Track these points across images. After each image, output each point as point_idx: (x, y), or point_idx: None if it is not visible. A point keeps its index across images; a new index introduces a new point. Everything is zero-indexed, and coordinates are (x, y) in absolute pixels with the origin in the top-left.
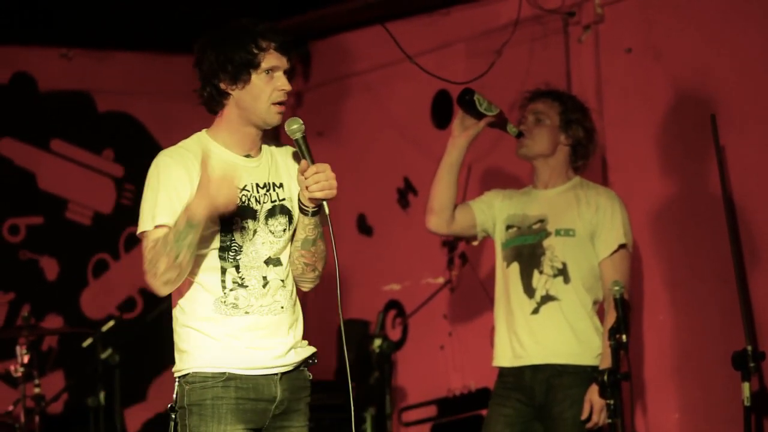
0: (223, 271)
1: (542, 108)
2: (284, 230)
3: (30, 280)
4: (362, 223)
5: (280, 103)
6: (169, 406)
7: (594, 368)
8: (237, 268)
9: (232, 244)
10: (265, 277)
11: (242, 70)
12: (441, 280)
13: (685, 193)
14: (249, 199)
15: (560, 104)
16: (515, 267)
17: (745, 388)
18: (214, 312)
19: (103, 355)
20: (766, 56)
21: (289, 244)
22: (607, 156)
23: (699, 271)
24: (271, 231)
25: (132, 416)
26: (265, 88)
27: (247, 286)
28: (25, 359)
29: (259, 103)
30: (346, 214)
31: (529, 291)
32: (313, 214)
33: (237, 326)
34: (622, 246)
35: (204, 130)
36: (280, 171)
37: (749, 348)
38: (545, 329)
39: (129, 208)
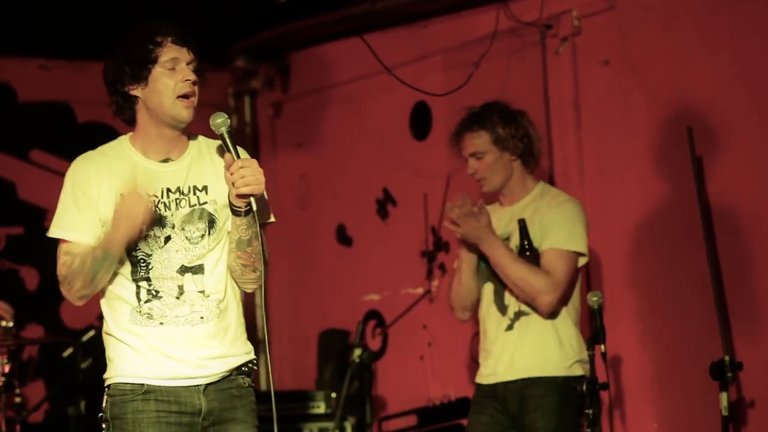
0: (137, 282)
1: (474, 144)
2: (202, 236)
3: (10, 290)
4: (342, 233)
5: (185, 96)
6: (99, 415)
7: (566, 378)
8: (148, 280)
9: (140, 255)
10: (180, 287)
11: (141, 66)
12: (420, 290)
13: (663, 204)
14: (157, 206)
15: (486, 131)
16: (489, 286)
17: (723, 398)
18: (131, 322)
19: (84, 365)
20: (741, 69)
21: (216, 249)
22: (585, 167)
23: (677, 281)
24: (187, 237)
25: None
26: (168, 81)
27: (161, 297)
28: (6, 368)
29: (163, 98)
30: (326, 224)
31: (502, 308)
32: (246, 213)
33: (154, 337)
34: (564, 250)
35: (127, 135)
36: (206, 172)
37: (727, 358)
38: (518, 344)
39: None
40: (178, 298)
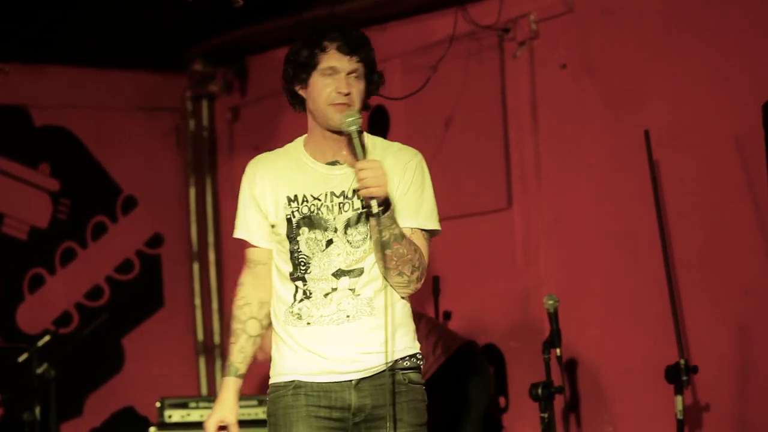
0: (294, 282)
1: None
2: (363, 239)
3: None
4: None
5: (339, 104)
6: None
7: None
8: (304, 280)
9: (300, 257)
10: (334, 288)
11: (301, 70)
12: None
13: (620, 208)
14: (319, 209)
15: None
16: None
17: (678, 401)
18: (285, 322)
19: (39, 370)
20: (699, 72)
21: (372, 253)
22: (542, 170)
23: (633, 285)
24: (349, 241)
25: (67, 431)
26: (323, 89)
27: (311, 297)
28: None
29: (318, 104)
30: None
31: None
32: (375, 214)
33: (303, 336)
34: None
35: (303, 136)
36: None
37: (682, 362)
38: None
39: (65, 223)
40: (325, 296)
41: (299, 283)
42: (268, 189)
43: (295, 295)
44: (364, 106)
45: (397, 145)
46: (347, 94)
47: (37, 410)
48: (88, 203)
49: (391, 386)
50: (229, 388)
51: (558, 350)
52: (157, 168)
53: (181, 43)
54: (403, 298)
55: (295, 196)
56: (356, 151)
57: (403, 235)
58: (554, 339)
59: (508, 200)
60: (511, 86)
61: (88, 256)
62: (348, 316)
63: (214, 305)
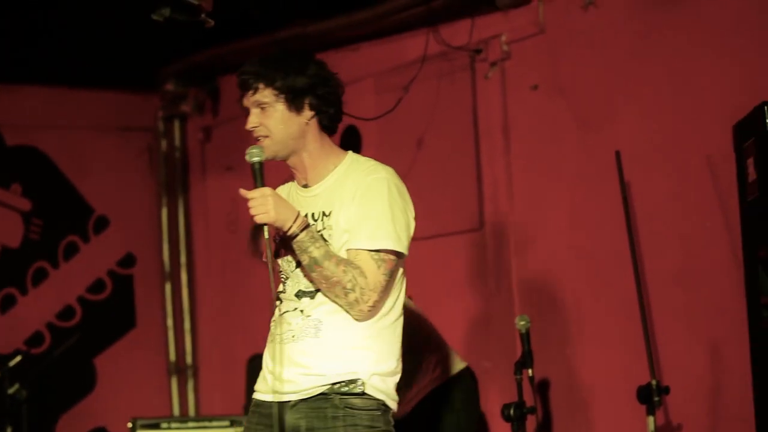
0: (276, 300)
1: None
2: None
3: None
4: None
5: (256, 139)
6: None
7: None
8: (280, 300)
9: (282, 275)
10: (296, 308)
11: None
12: None
13: (591, 228)
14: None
15: None
16: None
17: (650, 422)
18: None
19: (11, 391)
20: (669, 93)
21: None
22: (514, 191)
23: (605, 305)
24: None
25: None
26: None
27: (281, 316)
28: None
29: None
30: None
31: None
32: (290, 237)
33: (268, 353)
34: None
35: None
36: (335, 196)
37: (654, 382)
38: None
39: (37, 243)
40: (287, 318)
41: (278, 302)
42: None
43: (274, 314)
44: (327, 129)
45: (365, 165)
46: (254, 127)
47: (9, 431)
48: (59, 223)
49: (327, 410)
50: None
51: (530, 371)
52: (130, 188)
53: (153, 63)
54: (363, 321)
55: None
56: (254, 181)
57: (326, 256)
58: (526, 359)
59: (479, 221)
60: (483, 107)
61: (59, 276)
62: (293, 336)
63: (186, 326)
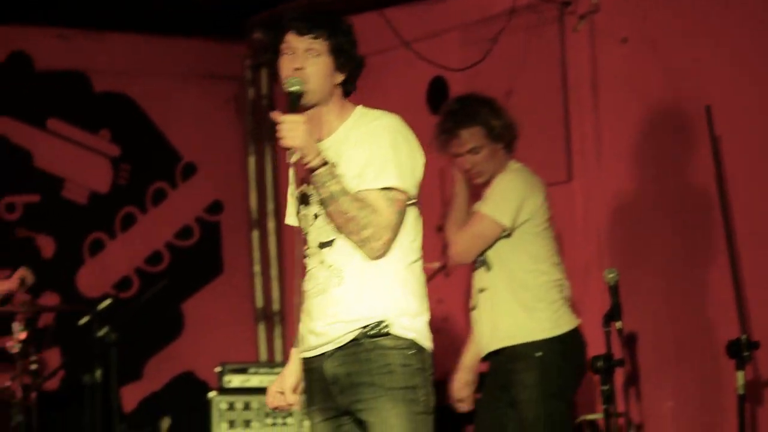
0: (305, 259)
1: (471, 139)
2: None
3: (26, 258)
4: None
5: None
6: None
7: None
8: (307, 256)
9: (303, 233)
10: (321, 261)
11: (274, 53)
12: (436, 264)
13: (680, 182)
14: (308, 186)
15: (480, 126)
16: None
17: (739, 376)
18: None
19: (100, 333)
20: (761, 46)
21: None
22: (602, 146)
23: (694, 260)
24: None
25: (128, 394)
26: (283, 68)
27: (307, 273)
28: (22, 336)
29: (283, 85)
30: None
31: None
32: (310, 170)
33: (303, 312)
34: None
35: None
36: (342, 149)
37: (743, 337)
38: (478, 323)
39: (125, 188)
40: (312, 272)
41: (306, 260)
42: (292, 174)
43: (305, 273)
44: (346, 89)
45: (371, 114)
46: (298, 69)
47: (98, 373)
48: (148, 169)
49: (360, 354)
50: (291, 358)
51: (618, 323)
52: (217, 135)
53: (241, 12)
54: (378, 259)
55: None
56: (287, 108)
57: (343, 192)
58: (615, 312)
59: (568, 174)
60: (572, 60)
61: (148, 222)
62: (321, 289)
63: (273, 272)
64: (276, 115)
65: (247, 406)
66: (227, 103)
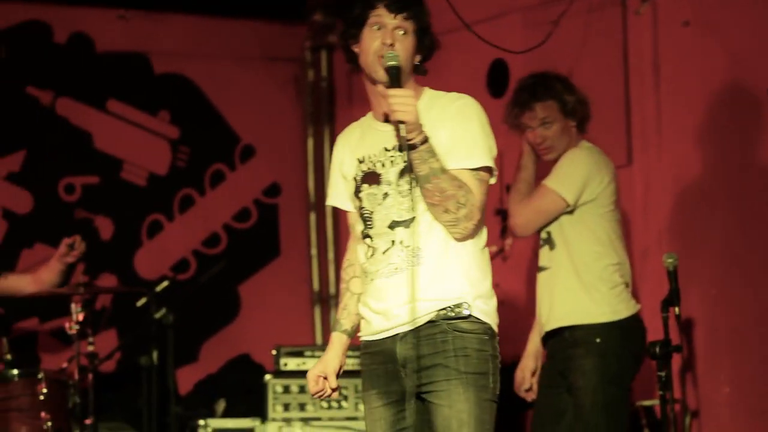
0: (364, 239)
1: (544, 112)
2: (410, 188)
3: (85, 239)
4: None
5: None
6: None
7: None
8: (369, 237)
9: (364, 213)
10: (392, 241)
11: (352, 25)
12: (494, 248)
13: (741, 167)
14: (374, 165)
15: (555, 100)
16: None
17: None
18: (362, 281)
19: (157, 315)
20: None
21: (422, 200)
22: (663, 129)
23: (752, 245)
24: (399, 192)
25: (184, 376)
26: (371, 42)
27: (374, 254)
28: (80, 317)
29: (367, 57)
30: None
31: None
32: (411, 147)
33: (367, 294)
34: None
35: None
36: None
37: None
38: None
39: (183, 170)
40: (384, 253)
41: (368, 240)
42: (347, 155)
43: (366, 254)
44: (419, 70)
45: (448, 94)
46: (391, 45)
47: (155, 355)
48: (206, 151)
49: (436, 336)
50: (332, 342)
51: (677, 309)
52: (276, 118)
53: None
54: (460, 240)
55: (363, 157)
56: (391, 83)
57: (443, 170)
58: (673, 297)
59: (628, 157)
60: (633, 43)
61: (206, 204)
62: (396, 268)
63: (330, 255)
64: (390, 91)
65: (302, 389)
66: (286, 85)
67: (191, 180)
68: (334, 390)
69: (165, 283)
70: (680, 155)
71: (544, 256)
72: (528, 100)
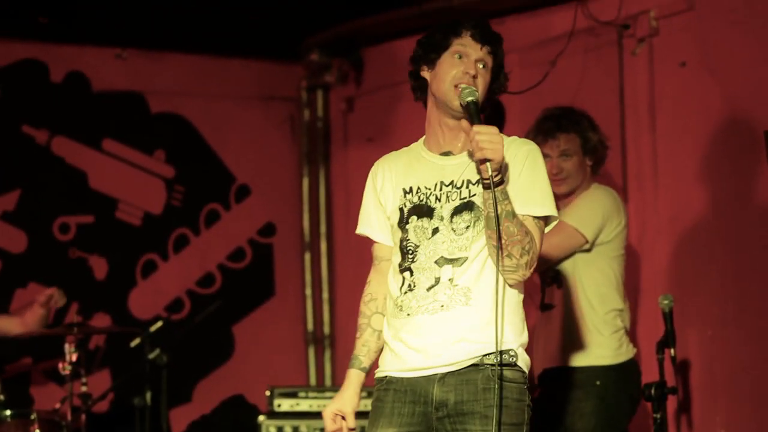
0: (402, 273)
1: (567, 145)
2: (467, 227)
3: (79, 279)
4: None
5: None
6: None
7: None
8: (410, 271)
9: (408, 245)
10: (437, 278)
11: (432, 50)
12: None
13: (736, 209)
14: (428, 198)
15: (578, 135)
16: None
17: None
18: (390, 315)
19: (151, 356)
20: None
21: (480, 240)
22: (659, 169)
23: (748, 287)
24: (453, 229)
25: (177, 417)
26: (451, 68)
27: (414, 289)
28: (73, 357)
29: (443, 83)
30: None
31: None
32: (486, 185)
33: (398, 329)
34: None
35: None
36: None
37: None
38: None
39: (179, 209)
40: (428, 290)
41: (406, 274)
42: (389, 183)
43: (401, 288)
44: (486, 103)
45: (512, 137)
46: (474, 77)
47: (148, 395)
48: (202, 190)
49: (478, 382)
50: (350, 379)
51: (672, 350)
52: (271, 157)
53: (297, 33)
54: (511, 287)
55: (410, 188)
56: (472, 120)
57: (514, 214)
58: (669, 339)
59: (624, 197)
60: (630, 83)
61: (200, 244)
62: (442, 306)
63: (325, 295)
64: (477, 128)
65: (296, 430)
66: (282, 124)
67: (186, 219)
68: (351, 430)
69: (159, 323)
70: (676, 196)
71: (550, 294)
72: (552, 129)
